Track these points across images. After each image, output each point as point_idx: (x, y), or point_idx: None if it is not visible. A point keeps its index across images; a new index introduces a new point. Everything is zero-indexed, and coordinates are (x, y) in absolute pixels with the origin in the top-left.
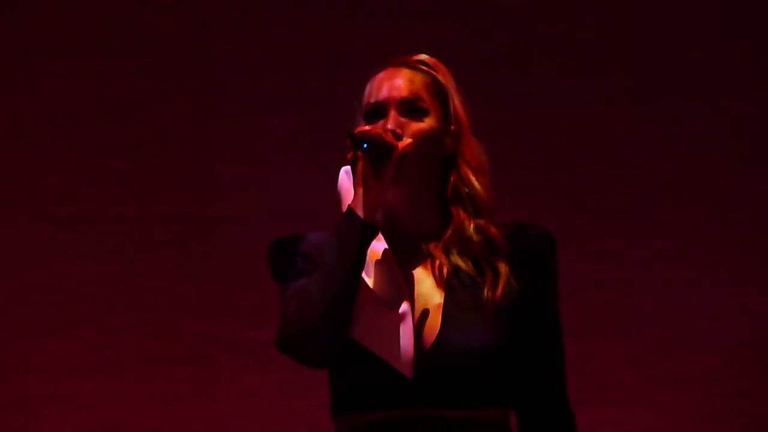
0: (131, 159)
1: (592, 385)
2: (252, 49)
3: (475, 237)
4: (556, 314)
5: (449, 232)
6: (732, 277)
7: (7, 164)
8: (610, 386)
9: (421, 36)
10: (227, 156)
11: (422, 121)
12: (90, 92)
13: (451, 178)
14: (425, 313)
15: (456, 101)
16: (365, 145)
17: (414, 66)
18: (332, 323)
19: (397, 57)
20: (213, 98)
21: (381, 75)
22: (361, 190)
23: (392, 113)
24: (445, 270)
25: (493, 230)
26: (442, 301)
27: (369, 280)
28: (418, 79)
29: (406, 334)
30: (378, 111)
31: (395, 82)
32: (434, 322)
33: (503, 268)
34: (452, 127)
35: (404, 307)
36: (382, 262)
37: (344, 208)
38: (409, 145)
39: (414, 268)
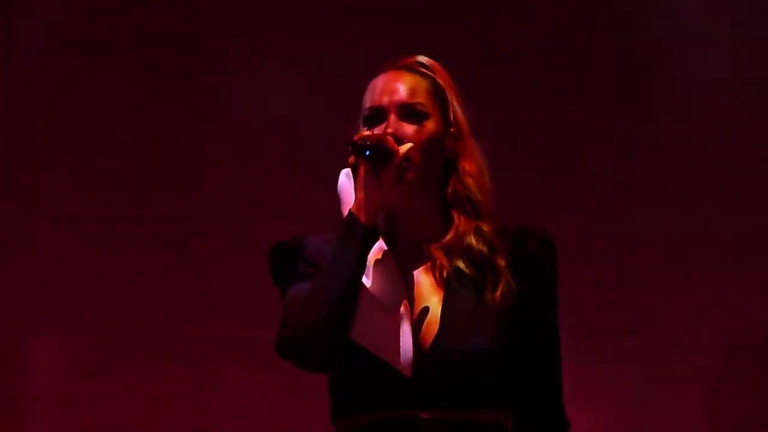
0: (131, 158)
1: (587, 384)
2: (250, 48)
3: (475, 239)
4: (555, 319)
5: (450, 234)
6: (730, 278)
7: (6, 164)
8: (605, 385)
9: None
10: (226, 155)
11: (422, 125)
12: (90, 91)
13: (451, 181)
14: (424, 313)
15: (455, 103)
16: (367, 153)
17: (413, 69)
18: (333, 327)
19: (395, 58)
20: (212, 98)
21: (380, 79)
22: (362, 195)
23: (392, 117)
24: (445, 271)
25: (493, 232)
26: (441, 302)
27: (368, 281)
28: (418, 82)
29: (405, 334)
30: (378, 115)
31: (395, 86)
32: (433, 323)
33: (503, 270)
34: (452, 130)
35: (403, 307)
36: (381, 263)
37: (344, 210)
38: (409, 149)
39: (414, 269)
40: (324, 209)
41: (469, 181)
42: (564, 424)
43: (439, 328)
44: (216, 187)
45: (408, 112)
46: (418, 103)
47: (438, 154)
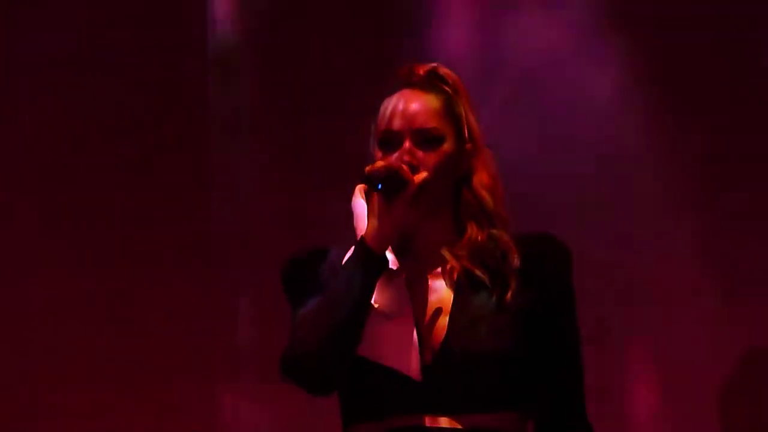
0: (133, 165)
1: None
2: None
3: (487, 245)
4: (572, 326)
5: (462, 240)
6: (731, 282)
7: (7, 170)
8: (609, 391)
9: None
10: (230, 163)
11: (438, 150)
12: (91, 99)
13: (465, 194)
14: (434, 317)
15: (470, 115)
16: (380, 186)
17: (427, 85)
18: (337, 353)
19: (409, 70)
20: (214, 108)
21: (395, 99)
22: (375, 222)
23: (407, 144)
24: (455, 274)
25: (505, 238)
26: (451, 305)
27: (375, 292)
28: (432, 103)
29: (412, 339)
30: (392, 140)
31: (409, 110)
32: (443, 326)
33: (514, 273)
34: (467, 146)
35: (410, 314)
36: (388, 272)
37: (356, 224)
38: (424, 178)
39: (425, 274)
40: (327, 218)
41: (483, 192)
42: (586, 429)
43: (448, 330)
44: (218, 194)
45: (423, 138)
46: (434, 128)
47: (453, 174)
